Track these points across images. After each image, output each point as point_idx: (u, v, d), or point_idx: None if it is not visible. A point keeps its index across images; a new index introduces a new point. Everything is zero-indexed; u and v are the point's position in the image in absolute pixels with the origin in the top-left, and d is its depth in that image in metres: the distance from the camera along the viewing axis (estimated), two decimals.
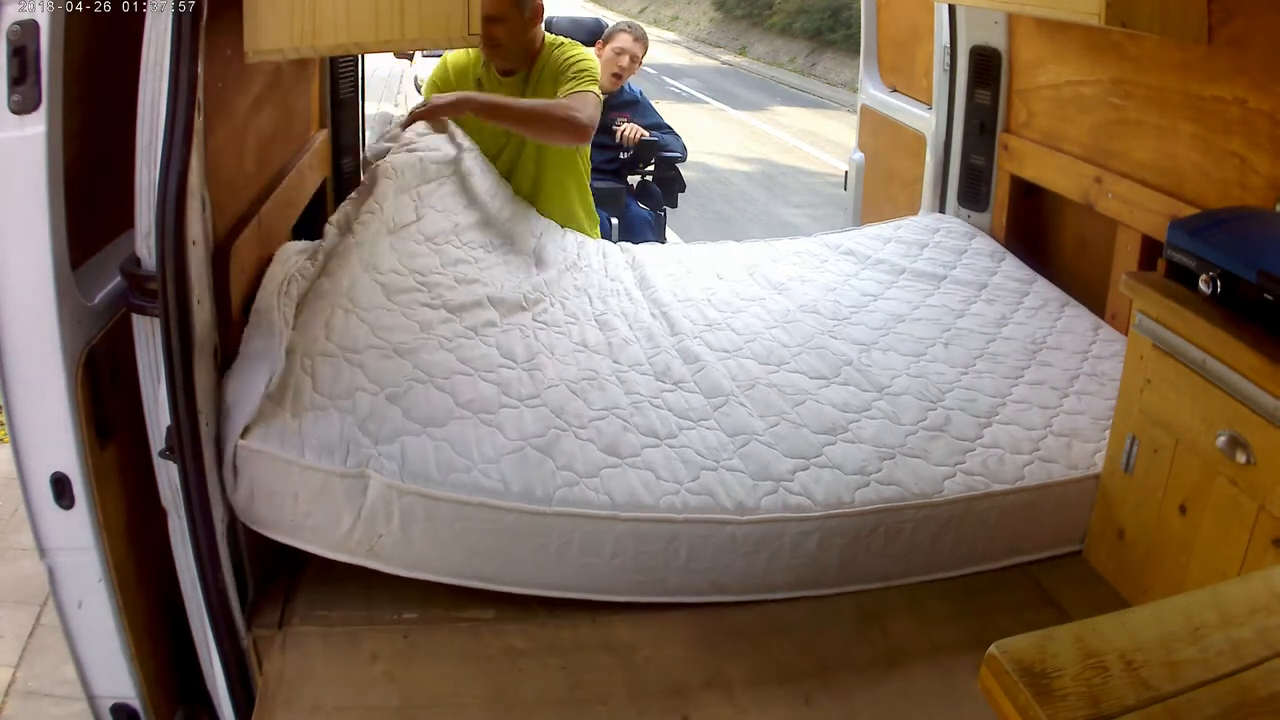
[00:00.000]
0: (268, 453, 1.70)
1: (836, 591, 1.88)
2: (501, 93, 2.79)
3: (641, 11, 25.90)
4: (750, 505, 1.84)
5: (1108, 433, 2.08)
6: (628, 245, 3.06)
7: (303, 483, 1.71)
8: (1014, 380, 2.31)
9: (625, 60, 3.99)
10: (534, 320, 2.35)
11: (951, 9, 3.05)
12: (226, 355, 1.77)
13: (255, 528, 1.75)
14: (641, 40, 4.06)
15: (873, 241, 3.13)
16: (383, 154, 2.59)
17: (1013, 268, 2.89)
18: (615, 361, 2.25)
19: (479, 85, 2.86)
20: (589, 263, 2.80)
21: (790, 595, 1.87)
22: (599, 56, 4.11)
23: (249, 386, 1.73)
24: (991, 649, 0.88)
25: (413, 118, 2.72)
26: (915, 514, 1.90)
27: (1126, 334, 1.98)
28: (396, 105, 12.11)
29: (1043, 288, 2.78)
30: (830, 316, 2.59)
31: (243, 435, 1.69)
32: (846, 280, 2.85)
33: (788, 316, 2.58)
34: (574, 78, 2.73)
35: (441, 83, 2.96)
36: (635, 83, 4.19)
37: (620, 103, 4.16)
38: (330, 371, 1.90)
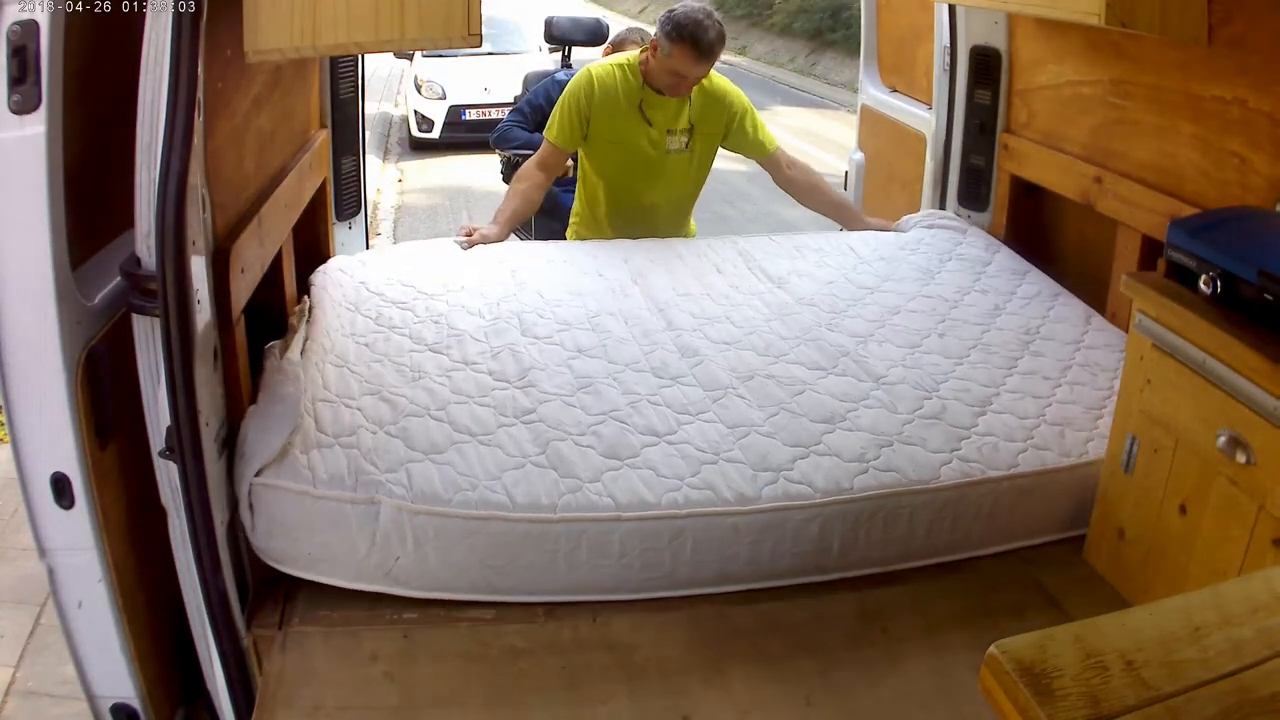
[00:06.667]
0: (281, 486, 1.76)
1: (838, 577, 1.90)
2: (662, 109, 2.93)
3: (641, 11, 25.88)
4: (751, 496, 1.85)
5: (1099, 421, 2.10)
6: (624, 242, 3.06)
7: (317, 513, 1.76)
8: (1008, 370, 2.34)
9: None
10: (523, 336, 2.37)
11: (951, 9, 3.05)
12: (226, 355, 1.77)
13: (276, 565, 1.79)
14: None
15: (869, 236, 3.16)
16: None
17: (1006, 259, 2.93)
18: (611, 363, 2.27)
19: (640, 109, 2.91)
20: (580, 265, 2.82)
21: (794, 582, 1.88)
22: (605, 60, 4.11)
23: (272, 431, 1.81)
24: (991, 649, 0.88)
25: None
26: (913, 499, 1.91)
27: (1124, 329, 1.97)
28: (397, 105, 12.07)
29: (1036, 278, 2.81)
30: (828, 309, 2.62)
31: (257, 474, 1.75)
32: (844, 274, 2.87)
33: (786, 309, 2.61)
34: (754, 128, 3.06)
35: (591, 107, 2.91)
36: None
37: None
38: (330, 414, 1.98)
